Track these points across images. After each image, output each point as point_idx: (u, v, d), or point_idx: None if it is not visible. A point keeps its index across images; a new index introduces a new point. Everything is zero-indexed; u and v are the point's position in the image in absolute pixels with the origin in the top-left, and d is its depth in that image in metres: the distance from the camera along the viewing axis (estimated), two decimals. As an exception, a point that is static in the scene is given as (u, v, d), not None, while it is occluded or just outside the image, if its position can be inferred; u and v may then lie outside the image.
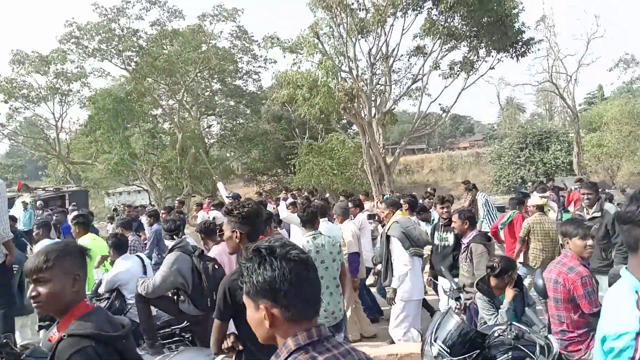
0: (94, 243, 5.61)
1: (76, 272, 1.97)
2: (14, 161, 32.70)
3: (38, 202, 17.43)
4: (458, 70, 21.05)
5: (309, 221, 4.64)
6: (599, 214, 5.76)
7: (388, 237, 5.24)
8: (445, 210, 6.11)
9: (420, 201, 9.61)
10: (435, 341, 3.01)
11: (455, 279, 4.70)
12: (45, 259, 1.92)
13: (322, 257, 4.44)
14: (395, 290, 4.99)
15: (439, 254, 5.81)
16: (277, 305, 1.36)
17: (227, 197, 9.46)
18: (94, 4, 26.14)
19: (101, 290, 4.80)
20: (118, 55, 27.29)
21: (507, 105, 50.78)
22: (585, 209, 5.99)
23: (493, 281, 4.12)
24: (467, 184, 10.91)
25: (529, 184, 14.99)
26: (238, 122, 32.80)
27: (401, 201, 6.55)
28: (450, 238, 5.71)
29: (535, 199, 7.12)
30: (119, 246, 5.14)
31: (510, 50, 19.69)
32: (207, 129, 34.41)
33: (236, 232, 2.60)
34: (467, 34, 19.73)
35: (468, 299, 4.50)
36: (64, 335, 1.87)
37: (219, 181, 9.93)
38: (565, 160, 25.36)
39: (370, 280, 7.88)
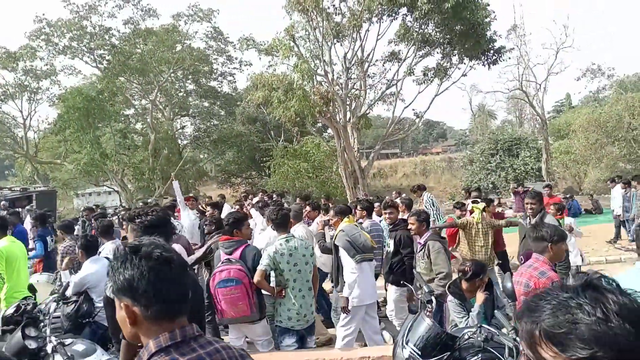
0: (11, 247, 5.28)
1: None
2: (-21, 160, 31.69)
3: (2, 203, 16.87)
4: (432, 77, 21.36)
5: (281, 224, 4.63)
6: None
7: (336, 246, 5.25)
8: (388, 215, 6.14)
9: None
10: (407, 344, 3.04)
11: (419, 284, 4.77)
12: None
13: (295, 260, 4.44)
14: (347, 299, 4.97)
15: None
16: (137, 303, 1.35)
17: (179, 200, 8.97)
18: (65, 0, 25.60)
19: (68, 293, 4.68)
20: (89, 53, 26.82)
21: (478, 112, 51.75)
22: (528, 217, 5.93)
23: (464, 285, 4.20)
24: (413, 187, 11.18)
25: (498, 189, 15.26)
26: (212, 123, 32.52)
27: (358, 207, 6.79)
28: (392, 243, 5.86)
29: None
30: (88, 248, 5.02)
31: (482, 58, 20.08)
32: (180, 130, 34.03)
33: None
34: (441, 41, 20.04)
35: (431, 292, 4.57)
36: None
37: (175, 180, 9.43)
38: (535, 167, 25.96)
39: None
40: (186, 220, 8.10)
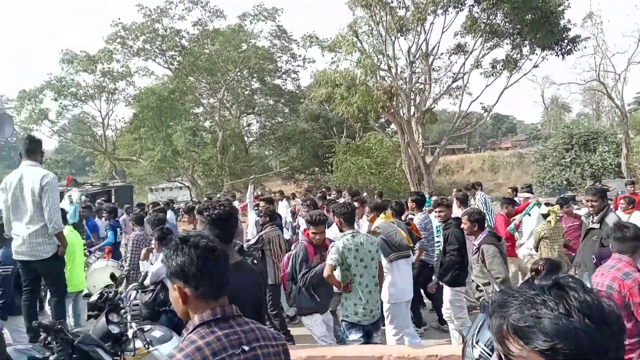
0: (69, 235, 5.71)
1: None
2: (63, 157, 34.17)
3: (82, 197, 18.08)
4: (500, 69, 20.59)
5: (348, 219, 4.63)
6: (597, 226, 5.20)
7: None
8: (438, 214, 6.05)
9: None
10: (477, 343, 2.97)
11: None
12: None
13: (361, 256, 4.43)
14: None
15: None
16: (187, 285, 1.60)
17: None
18: (139, 4, 26.99)
19: (147, 282, 4.95)
20: (161, 55, 28.08)
21: (551, 105, 49.20)
22: (591, 216, 5.53)
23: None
24: (468, 185, 10.89)
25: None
26: (277, 120, 33.09)
27: (409, 199, 6.89)
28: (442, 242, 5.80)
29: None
30: (164, 239, 5.27)
31: (555, 48, 19.12)
32: (246, 127, 34.90)
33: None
34: (510, 31, 19.26)
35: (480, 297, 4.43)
36: None
37: (251, 183, 10.54)
38: (614, 162, 24.37)
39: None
40: (252, 219, 8.46)
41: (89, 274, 6.72)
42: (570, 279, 1.01)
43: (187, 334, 1.60)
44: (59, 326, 3.29)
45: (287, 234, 8.76)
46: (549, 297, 0.96)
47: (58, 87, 27.20)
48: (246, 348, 1.59)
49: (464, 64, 21.17)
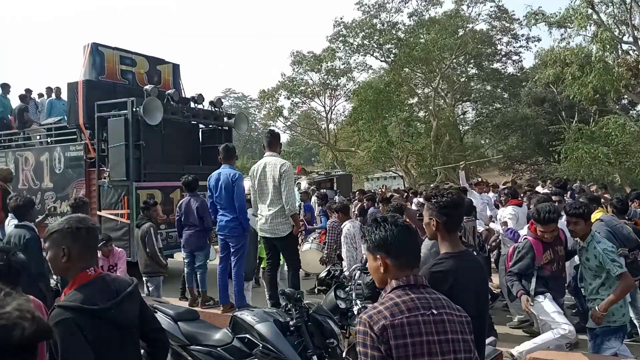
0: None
1: (64, 245, 2.07)
2: (294, 149, 38.29)
3: (311, 187, 20.27)
4: None
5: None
6: None
7: None
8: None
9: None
10: None
11: None
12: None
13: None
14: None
15: None
16: (389, 256, 1.89)
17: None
18: (358, 2, 28.31)
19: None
20: (378, 49, 29.08)
21: None
22: None
23: None
24: None
25: None
26: (495, 107, 31.32)
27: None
28: None
29: None
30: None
31: None
32: (461, 116, 33.89)
33: (433, 220, 2.53)
34: None
35: None
36: (55, 306, 2.02)
37: (462, 170, 10.29)
38: None
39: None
40: (477, 203, 8.14)
41: (301, 253, 7.36)
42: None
43: (385, 294, 1.87)
44: (298, 296, 3.71)
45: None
46: None
47: (290, 87, 30.48)
48: (435, 312, 1.81)
49: None
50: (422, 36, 28.02)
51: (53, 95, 11.13)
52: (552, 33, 21.37)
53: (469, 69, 30.99)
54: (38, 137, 10.06)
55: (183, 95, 9.76)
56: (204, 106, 9.38)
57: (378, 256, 1.92)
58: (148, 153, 8.57)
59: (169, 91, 8.91)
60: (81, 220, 2.18)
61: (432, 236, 2.64)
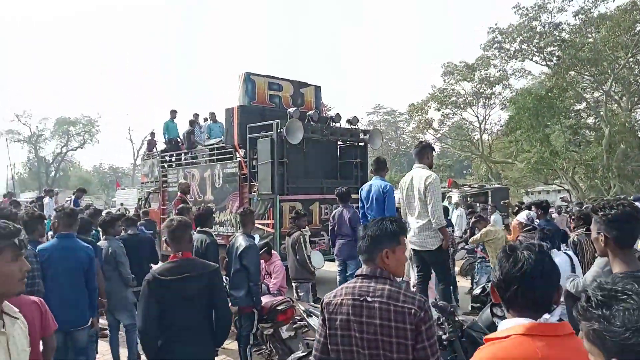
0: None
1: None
2: (444, 161, 37.38)
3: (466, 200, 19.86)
4: None
5: None
6: None
7: None
8: None
9: None
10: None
11: None
12: None
13: None
14: None
15: None
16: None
17: None
18: (515, 5, 26.75)
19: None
20: (539, 53, 27.09)
21: None
22: None
23: None
24: None
25: None
26: (688, 110, 26.90)
27: None
28: None
29: None
30: (545, 240, 5.08)
31: None
32: (640, 121, 29.71)
33: (601, 234, 2.34)
34: None
35: None
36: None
37: None
38: None
39: None
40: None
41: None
42: None
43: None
44: (452, 309, 3.72)
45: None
46: None
47: (440, 98, 29.96)
48: (369, 299, 2.12)
49: None
50: (590, 35, 25.41)
51: (209, 120, 12.89)
52: None
53: (648, 68, 27.10)
54: (203, 156, 11.62)
55: (323, 115, 10.46)
56: (341, 124, 9.92)
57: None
58: (291, 169, 9.36)
59: (310, 112, 9.66)
60: (173, 220, 3.33)
61: (602, 253, 2.46)
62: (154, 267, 3.84)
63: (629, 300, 1.06)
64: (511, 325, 1.58)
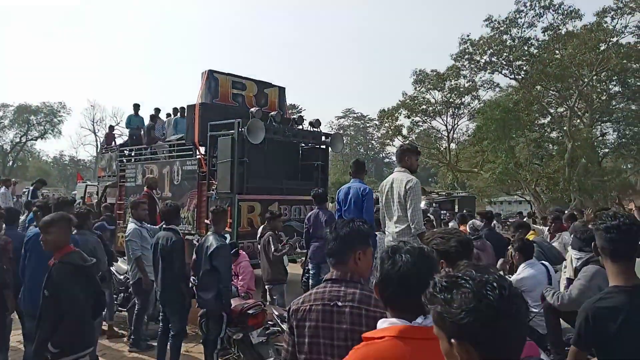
0: None
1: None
2: (414, 169, 37.84)
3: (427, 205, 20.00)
4: None
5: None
6: None
7: None
8: None
9: None
10: None
11: None
12: None
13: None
14: None
15: None
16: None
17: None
18: (487, 18, 27.20)
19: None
20: (507, 66, 27.61)
21: None
22: None
23: None
24: None
25: None
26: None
27: None
28: None
29: None
30: (524, 250, 5.18)
31: None
32: (600, 138, 30.64)
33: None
34: None
35: None
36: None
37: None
38: None
39: None
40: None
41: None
42: None
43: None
44: None
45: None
46: None
47: (411, 105, 30.23)
48: (339, 304, 2.05)
49: None
50: (557, 52, 26.08)
51: (178, 115, 12.60)
52: None
53: (610, 87, 27.98)
54: (162, 152, 11.37)
55: (286, 116, 10.37)
56: (303, 126, 9.87)
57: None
58: (251, 169, 9.24)
59: (272, 113, 9.57)
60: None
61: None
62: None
63: (466, 285, 1.16)
64: (386, 325, 1.64)
